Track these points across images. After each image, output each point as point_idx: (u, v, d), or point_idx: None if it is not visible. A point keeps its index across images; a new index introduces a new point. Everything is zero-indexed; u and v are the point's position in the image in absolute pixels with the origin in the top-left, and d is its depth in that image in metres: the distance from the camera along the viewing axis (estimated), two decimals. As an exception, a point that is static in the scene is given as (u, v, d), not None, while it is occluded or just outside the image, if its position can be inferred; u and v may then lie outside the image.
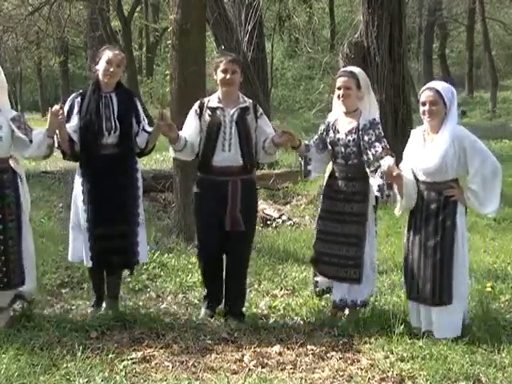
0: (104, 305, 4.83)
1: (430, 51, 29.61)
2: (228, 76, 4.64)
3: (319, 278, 4.87)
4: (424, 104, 4.36)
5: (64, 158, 4.76)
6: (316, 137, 4.88)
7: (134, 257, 4.72)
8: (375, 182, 4.50)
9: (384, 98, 9.78)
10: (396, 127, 9.77)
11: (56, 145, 4.59)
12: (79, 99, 4.65)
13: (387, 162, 4.37)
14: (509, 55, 33.60)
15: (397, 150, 4.72)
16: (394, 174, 4.30)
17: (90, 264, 4.66)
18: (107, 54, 4.65)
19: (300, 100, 25.71)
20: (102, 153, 4.59)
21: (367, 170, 4.55)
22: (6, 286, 4.44)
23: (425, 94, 4.37)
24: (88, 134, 4.57)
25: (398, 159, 4.69)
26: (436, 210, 4.35)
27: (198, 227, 4.85)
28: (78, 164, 4.71)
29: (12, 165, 4.51)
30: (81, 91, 4.74)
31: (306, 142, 4.90)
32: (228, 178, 4.63)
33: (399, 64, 9.94)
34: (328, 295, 4.92)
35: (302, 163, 4.85)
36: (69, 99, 4.72)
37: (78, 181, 4.70)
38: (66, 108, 4.64)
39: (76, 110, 4.63)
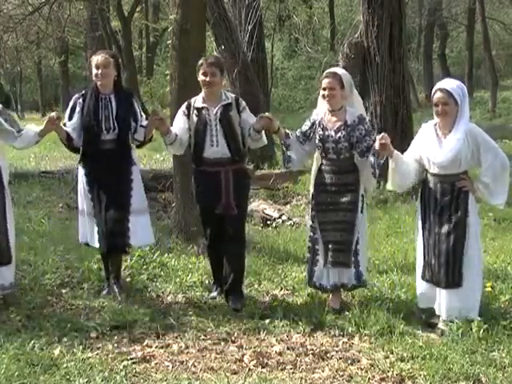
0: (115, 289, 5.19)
1: (430, 51, 29.55)
2: (208, 78, 4.98)
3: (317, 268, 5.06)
4: (437, 105, 4.54)
5: (66, 147, 5.29)
6: (298, 130, 5.13)
7: (127, 240, 5.11)
8: (368, 162, 4.79)
9: (384, 97, 9.78)
10: (396, 127, 9.76)
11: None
12: (81, 100, 5.13)
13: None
14: (509, 55, 33.52)
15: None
16: (384, 141, 4.58)
17: (96, 245, 5.14)
18: (94, 60, 5.11)
19: (300, 100, 25.75)
20: (101, 148, 5.07)
21: (359, 158, 4.85)
22: None
23: (436, 96, 4.54)
24: (88, 133, 5.06)
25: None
26: (449, 200, 4.57)
27: (200, 213, 5.30)
28: (79, 156, 5.18)
29: None
30: (83, 92, 5.21)
31: (287, 130, 5.17)
32: (220, 168, 5.02)
33: (399, 64, 9.93)
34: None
35: (284, 149, 5.12)
36: (72, 99, 5.21)
37: (80, 172, 5.22)
38: (69, 107, 5.16)
39: (78, 109, 5.11)
